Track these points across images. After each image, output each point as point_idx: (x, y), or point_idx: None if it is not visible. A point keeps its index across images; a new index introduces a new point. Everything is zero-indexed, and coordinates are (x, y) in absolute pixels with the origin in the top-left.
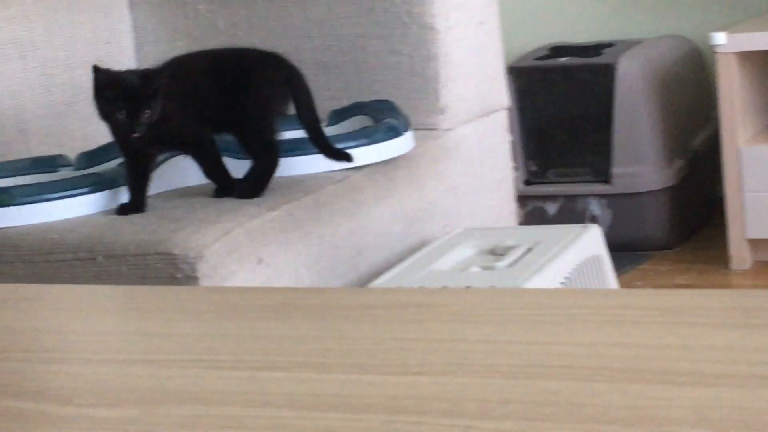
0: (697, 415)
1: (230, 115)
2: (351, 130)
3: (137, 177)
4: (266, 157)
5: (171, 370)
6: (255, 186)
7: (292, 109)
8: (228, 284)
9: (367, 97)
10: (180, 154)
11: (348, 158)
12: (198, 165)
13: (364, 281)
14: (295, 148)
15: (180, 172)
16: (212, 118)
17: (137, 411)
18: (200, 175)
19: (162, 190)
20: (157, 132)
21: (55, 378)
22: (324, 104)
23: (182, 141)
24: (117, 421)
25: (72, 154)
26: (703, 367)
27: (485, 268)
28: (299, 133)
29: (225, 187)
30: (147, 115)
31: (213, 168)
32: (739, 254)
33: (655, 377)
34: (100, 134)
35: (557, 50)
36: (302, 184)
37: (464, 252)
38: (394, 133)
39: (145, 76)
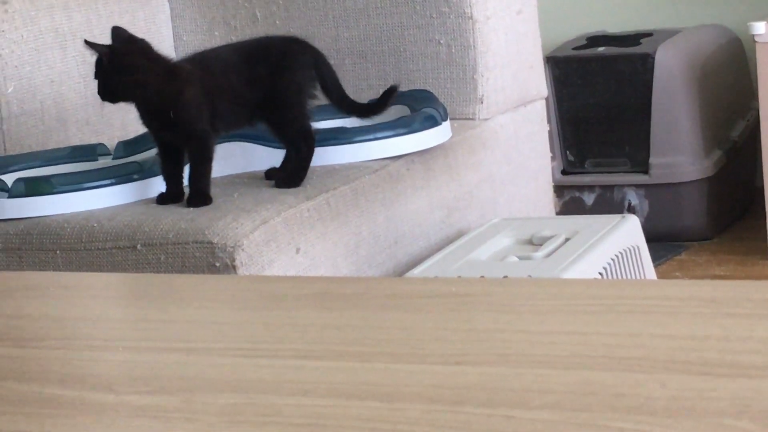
0: (738, 406)
1: (262, 106)
2: (389, 120)
3: (170, 167)
4: (304, 144)
5: (211, 359)
6: (295, 175)
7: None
8: (266, 273)
9: (405, 87)
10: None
11: (379, 109)
12: (190, 163)
13: (402, 271)
14: (333, 138)
15: (219, 161)
16: (242, 113)
17: (177, 399)
18: (239, 164)
19: None
20: (163, 118)
21: (96, 366)
22: (362, 94)
23: (187, 135)
24: (157, 408)
25: (111, 143)
26: (743, 358)
27: (523, 258)
28: (336, 123)
29: (177, 194)
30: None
31: (192, 173)
32: None
33: (695, 368)
34: (139, 123)
35: (595, 40)
36: (340, 174)
37: (502, 242)
38: (432, 122)
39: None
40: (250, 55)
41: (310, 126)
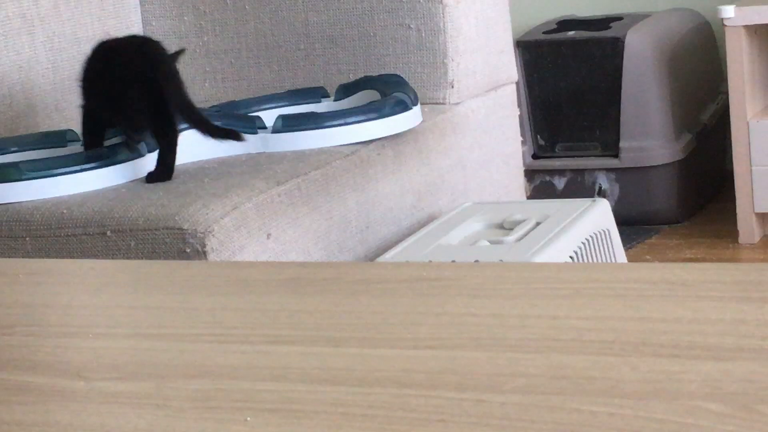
0: (708, 388)
1: (111, 109)
2: (359, 105)
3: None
4: (163, 141)
5: (182, 344)
6: (162, 170)
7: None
8: (237, 259)
9: (375, 71)
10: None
11: (237, 137)
12: None
13: (373, 256)
14: (304, 123)
15: (189, 146)
16: (97, 108)
17: (149, 385)
18: (209, 149)
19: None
20: None
21: (66, 352)
22: (332, 78)
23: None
24: (128, 395)
25: (79, 129)
26: (713, 340)
27: (494, 243)
28: (307, 108)
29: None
30: None
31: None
32: (747, 228)
33: (665, 351)
34: None
35: (565, 24)
36: (311, 159)
37: (472, 226)
38: (403, 107)
39: None
40: (103, 55)
41: (143, 136)
